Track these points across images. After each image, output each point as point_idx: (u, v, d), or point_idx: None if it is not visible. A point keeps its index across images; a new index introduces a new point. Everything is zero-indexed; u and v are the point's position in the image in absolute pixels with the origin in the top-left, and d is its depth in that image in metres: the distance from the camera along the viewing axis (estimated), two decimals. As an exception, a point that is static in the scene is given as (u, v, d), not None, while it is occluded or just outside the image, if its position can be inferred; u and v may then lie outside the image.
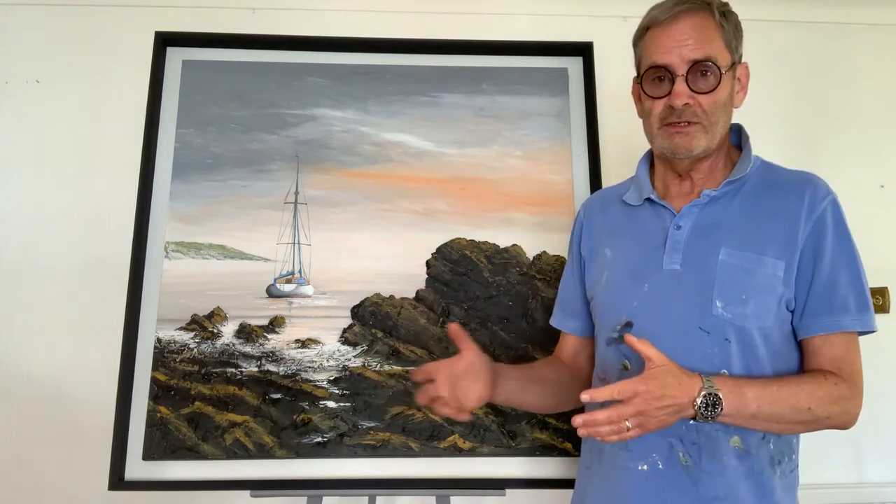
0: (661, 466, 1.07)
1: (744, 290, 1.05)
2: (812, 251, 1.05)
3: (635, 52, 1.17)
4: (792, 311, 1.08)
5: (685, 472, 1.05)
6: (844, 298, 1.05)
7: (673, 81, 1.06)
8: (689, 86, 1.06)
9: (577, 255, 1.30)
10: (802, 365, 1.10)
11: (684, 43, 1.06)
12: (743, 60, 1.13)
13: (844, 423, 1.04)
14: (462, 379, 1.08)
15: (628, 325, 1.13)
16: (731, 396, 0.97)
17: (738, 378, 1.02)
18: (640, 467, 1.08)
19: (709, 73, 1.06)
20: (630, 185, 1.25)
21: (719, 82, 1.06)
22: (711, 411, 0.96)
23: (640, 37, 1.14)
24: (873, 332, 1.05)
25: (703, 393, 0.96)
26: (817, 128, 1.90)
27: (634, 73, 1.18)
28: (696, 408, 0.96)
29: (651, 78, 1.09)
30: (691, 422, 1.01)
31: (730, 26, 1.08)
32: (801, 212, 1.06)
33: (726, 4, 1.11)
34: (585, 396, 0.95)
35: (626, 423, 0.94)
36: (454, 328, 1.13)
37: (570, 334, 1.32)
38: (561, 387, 1.26)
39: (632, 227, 1.20)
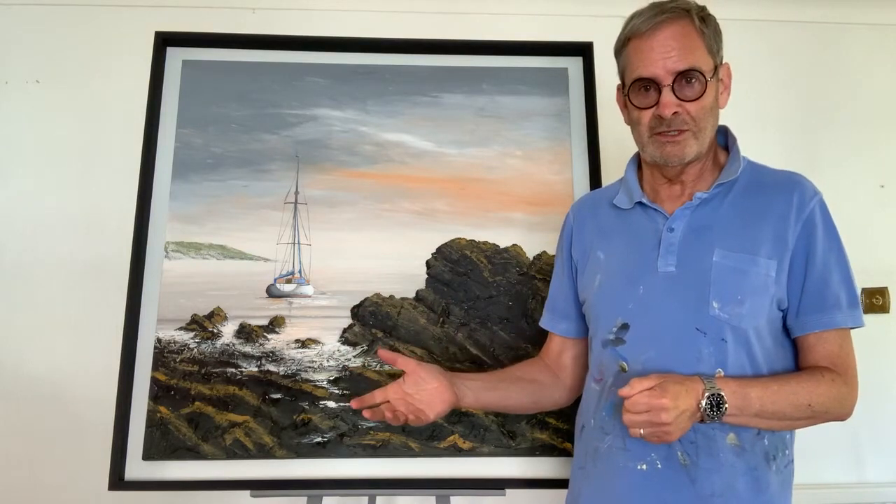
0: (659, 466, 1.08)
1: (739, 290, 1.07)
2: (804, 251, 1.08)
3: (618, 61, 1.16)
4: (783, 311, 1.09)
5: (684, 471, 1.06)
6: (836, 296, 1.07)
7: (659, 91, 1.07)
8: (675, 94, 1.06)
9: (568, 258, 1.31)
10: (797, 361, 1.12)
11: (668, 55, 1.06)
12: (724, 61, 1.13)
13: (841, 416, 1.08)
14: (417, 392, 1.13)
15: (624, 327, 1.14)
16: (735, 397, 1.00)
17: (740, 379, 1.04)
18: (639, 467, 1.09)
19: (694, 81, 1.06)
20: (619, 187, 1.26)
21: (705, 89, 1.07)
22: (717, 411, 0.99)
23: (623, 47, 1.13)
24: (861, 326, 1.09)
25: (706, 394, 0.99)
26: (817, 128, 1.90)
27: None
28: (701, 410, 0.98)
29: (637, 89, 1.10)
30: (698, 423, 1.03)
31: (710, 30, 1.09)
32: (790, 212, 1.08)
33: (704, 8, 1.11)
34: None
35: (640, 431, 0.98)
36: (382, 353, 1.19)
37: (556, 335, 1.33)
38: (539, 386, 1.29)
39: (624, 230, 1.21)
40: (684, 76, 1.06)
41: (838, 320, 1.07)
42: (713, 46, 1.09)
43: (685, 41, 1.06)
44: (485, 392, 1.23)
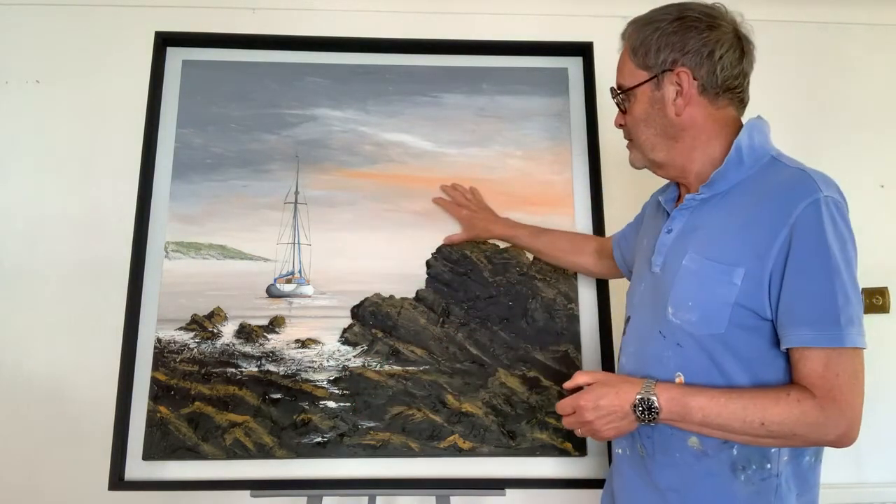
0: (628, 453, 1.16)
1: (691, 296, 1.05)
2: (784, 258, 0.97)
3: None
4: (770, 321, 1.02)
5: (641, 462, 1.13)
6: (810, 310, 0.96)
7: None
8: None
9: (641, 220, 1.37)
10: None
11: None
12: (682, 66, 1.07)
13: (826, 443, 0.98)
14: (472, 217, 1.52)
15: (628, 320, 1.22)
16: (671, 403, 1.01)
17: (687, 387, 1.03)
18: (617, 450, 1.19)
19: (618, 97, 1.17)
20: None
21: (627, 102, 1.15)
22: (648, 414, 1.02)
23: None
24: (861, 348, 0.96)
25: (637, 397, 1.03)
26: (817, 128, 1.90)
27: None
28: (633, 412, 1.03)
29: None
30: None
31: (643, 48, 1.11)
32: (778, 217, 0.98)
33: (637, 26, 1.13)
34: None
35: (578, 430, 1.10)
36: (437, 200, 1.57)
37: (613, 245, 1.45)
38: (574, 259, 1.50)
39: (653, 225, 1.25)
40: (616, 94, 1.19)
41: (805, 338, 0.95)
42: (644, 61, 1.11)
43: (619, 64, 1.18)
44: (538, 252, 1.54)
